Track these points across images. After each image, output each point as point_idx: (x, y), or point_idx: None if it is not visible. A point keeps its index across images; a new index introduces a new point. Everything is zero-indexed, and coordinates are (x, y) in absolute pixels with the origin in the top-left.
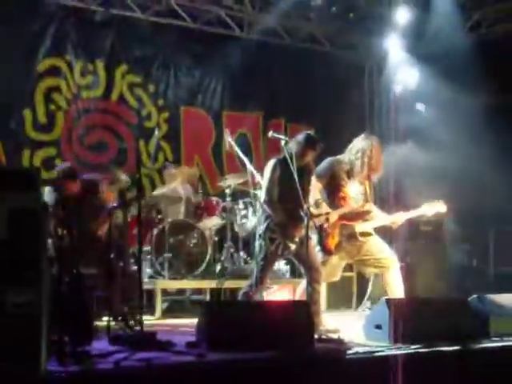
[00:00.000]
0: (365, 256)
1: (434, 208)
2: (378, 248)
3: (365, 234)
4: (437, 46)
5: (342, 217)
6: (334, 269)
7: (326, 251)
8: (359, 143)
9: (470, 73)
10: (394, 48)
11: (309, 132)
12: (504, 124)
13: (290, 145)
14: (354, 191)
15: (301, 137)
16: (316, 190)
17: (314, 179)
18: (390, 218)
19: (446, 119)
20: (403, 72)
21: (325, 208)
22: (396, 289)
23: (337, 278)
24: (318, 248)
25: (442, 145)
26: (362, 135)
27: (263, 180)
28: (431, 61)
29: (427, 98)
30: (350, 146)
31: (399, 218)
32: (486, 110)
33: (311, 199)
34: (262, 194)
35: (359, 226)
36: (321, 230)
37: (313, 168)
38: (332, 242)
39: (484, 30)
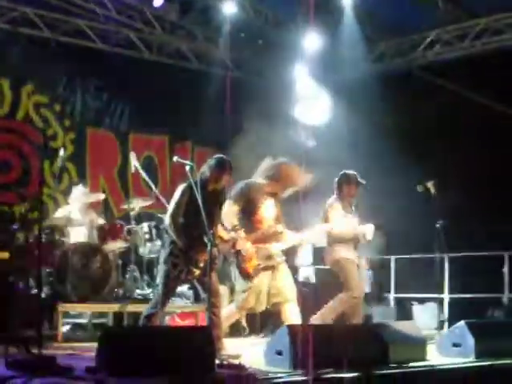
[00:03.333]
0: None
1: None
2: (282, 278)
3: (279, 255)
4: (343, 75)
5: (255, 240)
6: (257, 296)
7: (245, 275)
8: (270, 163)
9: (372, 102)
10: (302, 76)
11: (221, 156)
12: (402, 149)
13: (203, 169)
14: (269, 213)
15: (214, 161)
16: (233, 214)
17: (229, 203)
18: (299, 238)
19: (348, 143)
20: (310, 100)
21: (242, 233)
22: (293, 320)
23: (263, 307)
24: (237, 274)
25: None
26: (270, 157)
27: (170, 203)
28: (338, 89)
29: (335, 126)
30: (261, 167)
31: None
32: (387, 137)
33: (228, 224)
34: (166, 218)
35: (273, 247)
36: (238, 255)
37: (226, 192)
38: (250, 266)
39: (387, 61)
